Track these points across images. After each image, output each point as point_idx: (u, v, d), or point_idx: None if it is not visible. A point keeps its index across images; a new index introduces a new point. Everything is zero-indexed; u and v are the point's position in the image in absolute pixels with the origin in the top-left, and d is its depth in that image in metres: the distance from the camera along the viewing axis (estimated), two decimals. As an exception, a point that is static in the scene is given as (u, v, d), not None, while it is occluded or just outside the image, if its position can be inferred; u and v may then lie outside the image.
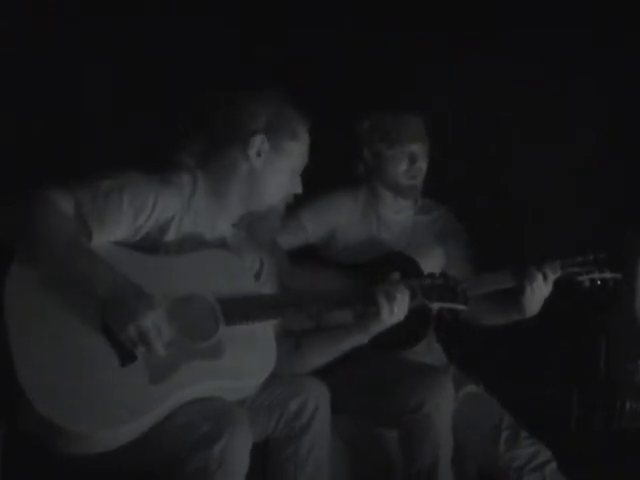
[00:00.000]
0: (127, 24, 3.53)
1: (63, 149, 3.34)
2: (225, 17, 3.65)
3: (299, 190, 2.53)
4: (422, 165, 3.05)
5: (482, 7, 3.63)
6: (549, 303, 2.85)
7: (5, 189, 2.25)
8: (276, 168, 2.47)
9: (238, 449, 2.18)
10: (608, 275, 2.82)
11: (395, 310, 2.50)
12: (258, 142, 2.45)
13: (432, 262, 3.06)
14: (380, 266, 2.78)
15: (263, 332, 2.37)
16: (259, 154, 2.45)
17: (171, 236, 2.38)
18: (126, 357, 2.16)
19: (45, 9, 3.43)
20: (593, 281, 2.82)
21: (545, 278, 2.78)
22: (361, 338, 2.59)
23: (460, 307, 2.60)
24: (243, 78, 3.34)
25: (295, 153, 2.48)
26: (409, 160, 3.03)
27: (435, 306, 2.59)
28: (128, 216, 2.29)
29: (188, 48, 3.58)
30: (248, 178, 2.46)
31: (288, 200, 2.54)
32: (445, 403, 2.67)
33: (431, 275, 2.65)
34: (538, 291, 2.79)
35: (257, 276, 2.55)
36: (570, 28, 3.56)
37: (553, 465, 2.80)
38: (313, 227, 3.06)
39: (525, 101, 3.63)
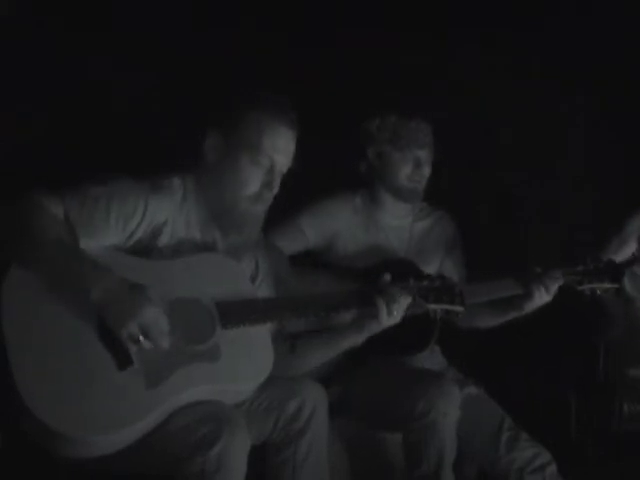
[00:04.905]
0: (127, 24, 3.53)
1: (62, 153, 3.34)
2: (225, 19, 3.65)
3: (274, 191, 2.43)
4: (426, 171, 3.04)
5: (482, 7, 3.62)
6: (549, 306, 2.85)
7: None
8: (232, 161, 2.40)
9: (236, 452, 2.18)
10: (608, 285, 2.84)
11: (393, 312, 2.49)
12: (211, 136, 2.43)
13: (432, 267, 3.07)
14: (379, 271, 2.78)
15: (260, 335, 2.37)
16: (213, 148, 2.42)
17: (165, 240, 2.38)
18: (123, 361, 2.16)
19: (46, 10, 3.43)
20: (593, 290, 2.84)
21: (548, 288, 2.79)
22: (357, 339, 2.58)
23: (458, 309, 2.60)
24: (244, 81, 3.37)
25: (259, 148, 2.39)
26: (414, 165, 3.01)
27: (432, 308, 2.58)
28: (117, 223, 2.29)
29: (189, 50, 3.58)
30: (211, 173, 2.43)
31: (265, 202, 2.44)
32: (451, 410, 2.68)
33: (429, 277, 2.64)
34: (543, 299, 2.80)
35: (252, 279, 2.54)
36: (569, 28, 3.56)
37: (553, 467, 2.80)
38: (313, 233, 3.04)
39: (525, 102, 3.63)
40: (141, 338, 2.13)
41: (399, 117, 3.02)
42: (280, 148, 2.42)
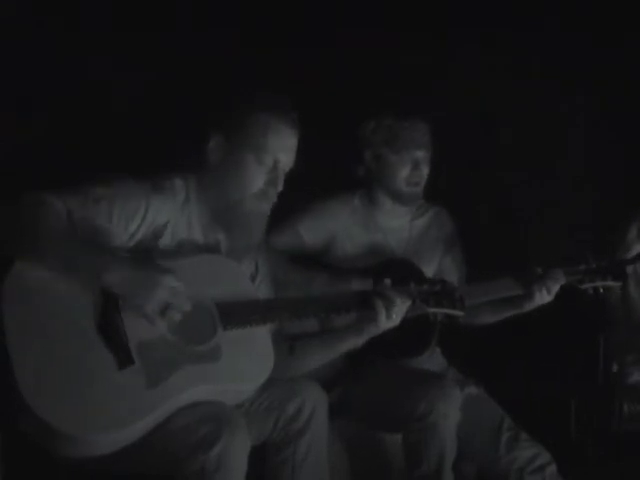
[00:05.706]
0: (127, 24, 3.53)
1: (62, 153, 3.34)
2: (225, 19, 3.65)
3: (278, 188, 2.46)
4: (424, 171, 3.02)
5: (482, 7, 3.62)
6: (549, 305, 2.85)
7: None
8: (236, 161, 2.43)
9: (236, 452, 2.18)
10: (610, 283, 2.83)
11: (392, 316, 2.49)
12: (214, 137, 2.44)
13: (431, 266, 3.07)
14: (379, 272, 2.78)
15: (260, 335, 2.38)
16: (216, 149, 2.44)
17: (166, 241, 2.39)
18: (124, 360, 2.16)
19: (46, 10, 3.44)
20: (596, 289, 2.83)
21: (549, 289, 2.79)
22: (356, 341, 2.58)
23: (458, 313, 2.60)
24: (244, 81, 3.37)
25: (264, 147, 2.42)
26: (412, 166, 2.99)
27: (433, 312, 2.58)
28: (119, 224, 2.30)
29: (189, 50, 3.58)
30: (214, 173, 2.45)
31: (270, 200, 2.47)
32: (452, 412, 2.68)
33: (429, 281, 2.65)
34: (544, 299, 2.81)
35: (251, 279, 2.55)
36: (569, 29, 3.56)
37: (553, 467, 2.80)
38: (312, 234, 3.03)
39: (525, 102, 3.63)
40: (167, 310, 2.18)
41: (394, 119, 3.01)
42: (284, 147, 2.45)
